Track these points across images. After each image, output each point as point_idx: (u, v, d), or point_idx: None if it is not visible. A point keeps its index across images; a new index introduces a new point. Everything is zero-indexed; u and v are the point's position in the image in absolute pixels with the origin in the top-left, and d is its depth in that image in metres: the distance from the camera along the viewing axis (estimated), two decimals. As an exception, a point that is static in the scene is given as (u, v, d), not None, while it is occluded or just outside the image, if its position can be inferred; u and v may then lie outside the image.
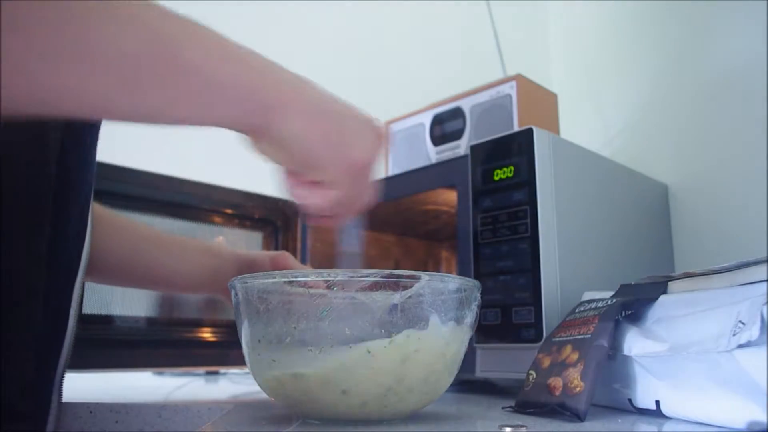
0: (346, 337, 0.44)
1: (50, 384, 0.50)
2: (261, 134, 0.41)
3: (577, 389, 0.46)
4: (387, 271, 0.45)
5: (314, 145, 0.41)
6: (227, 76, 0.37)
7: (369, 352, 0.44)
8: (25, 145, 0.45)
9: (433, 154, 0.98)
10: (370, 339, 0.44)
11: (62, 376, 0.52)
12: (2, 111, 0.30)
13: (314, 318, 0.44)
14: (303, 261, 1.02)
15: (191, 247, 0.71)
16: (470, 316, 0.49)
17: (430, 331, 0.46)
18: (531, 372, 0.54)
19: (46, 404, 0.49)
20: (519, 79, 0.89)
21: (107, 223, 0.62)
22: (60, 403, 0.53)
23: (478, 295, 0.50)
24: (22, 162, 0.45)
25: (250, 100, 0.39)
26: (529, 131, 0.69)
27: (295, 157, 0.42)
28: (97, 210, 0.56)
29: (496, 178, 0.71)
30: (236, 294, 0.49)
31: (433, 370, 0.47)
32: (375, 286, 0.44)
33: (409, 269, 0.46)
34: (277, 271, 0.49)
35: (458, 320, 0.48)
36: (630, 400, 0.50)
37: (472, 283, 0.49)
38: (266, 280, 0.47)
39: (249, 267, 0.69)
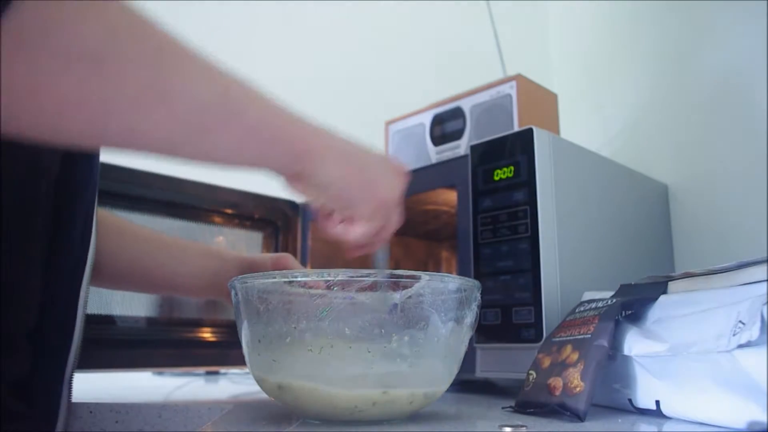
0: (346, 337, 0.44)
1: (59, 385, 0.50)
2: (301, 178, 0.45)
3: (577, 389, 0.46)
4: (387, 271, 0.45)
5: (347, 187, 0.47)
6: (277, 131, 0.42)
7: (369, 352, 0.44)
8: (22, 148, 0.45)
9: (433, 154, 0.98)
10: (370, 339, 0.44)
11: (71, 378, 0.52)
12: (79, 143, 0.32)
13: (314, 318, 0.44)
14: (303, 261, 1.02)
15: (193, 250, 0.71)
16: (470, 316, 0.49)
17: (430, 331, 0.46)
18: (531, 372, 0.54)
19: (46, 405, 0.49)
20: (519, 79, 0.89)
21: (108, 226, 0.63)
22: (70, 404, 0.53)
23: (478, 295, 0.50)
24: (19, 163, 0.45)
25: (294, 150, 0.43)
26: (529, 131, 0.69)
27: (331, 198, 0.47)
28: (98, 213, 0.56)
29: (496, 178, 0.71)
30: (236, 294, 0.49)
31: (433, 370, 0.47)
32: (375, 286, 0.44)
33: (409, 269, 0.46)
34: (277, 271, 0.49)
35: (458, 320, 0.48)
36: (630, 400, 0.50)
37: (472, 283, 0.49)
38: (266, 280, 0.48)
39: (250, 269, 0.69)
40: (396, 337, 0.45)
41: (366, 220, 0.49)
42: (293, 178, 0.45)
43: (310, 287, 0.46)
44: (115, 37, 0.31)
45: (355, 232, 0.50)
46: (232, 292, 0.50)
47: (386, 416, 0.48)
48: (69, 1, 0.28)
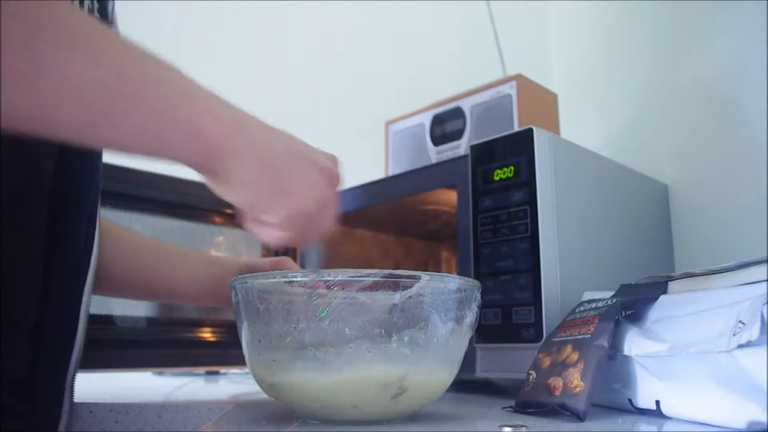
0: (346, 337, 0.44)
1: (61, 386, 0.50)
2: (211, 175, 0.43)
3: (577, 389, 0.46)
4: (387, 271, 0.45)
5: (257, 193, 0.44)
6: (184, 123, 0.39)
7: (369, 352, 0.44)
8: (17, 146, 0.45)
9: (433, 154, 0.98)
10: (371, 339, 0.44)
11: (73, 379, 0.52)
12: None
13: (314, 318, 0.44)
14: (303, 261, 1.02)
15: (193, 258, 0.71)
16: (470, 316, 0.49)
17: (430, 331, 0.46)
18: (531, 372, 0.54)
19: (47, 405, 0.49)
20: (519, 79, 0.89)
21: (108, 234, 0.63)
22: (72, 404, 0.53)
23: (478, 295, 0.50)
24: (14, 161, 0.45)
25: (203, 146, 0.41)
26: (529, 131, 0.69)
27: (242, 200, 0.44)
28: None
29: (496, 178, 0.71)
30: (236, 294, 0.49)
31: (433, 370, 0.47)
32: (375, 286, 0.44)
33: (409, 269, 0.46)
34: (277, 271, 0.49)
35: (458, 320, 0.48)
36: (630, 400, 0.50)
37: (472, 283, 0.49)
38: (266, 280, 0.48)
39: (250, 272, 0.69)
40: (396, 337, 0.45)
41: (282, 226, 0.46)
42: (203, 173, 0.43)
43: (310, 287, 0.45)
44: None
45: (270, 235, 0.47)
46: (232, 293, 0.50)
47: (386, 416, 0.48)
48: None
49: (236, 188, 0.43)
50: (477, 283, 0.50)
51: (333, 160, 0.50)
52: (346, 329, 0.44)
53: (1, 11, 0.30)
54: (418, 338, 0.45)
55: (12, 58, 0.31)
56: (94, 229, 0.53)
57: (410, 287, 0.45)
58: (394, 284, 0.45)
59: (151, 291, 0.70)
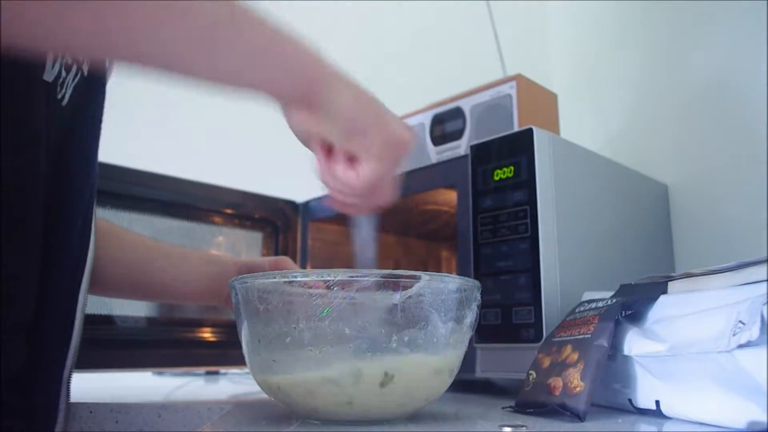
0: (347, 337, 0.44)
1: (57, 384, 0.50)
2: (308, 105, 0.44)
3: (577, 389, 0.46)
4: (387, 271, 0.45)
5: (359, 113, 0.45)
6: (286, 54, 0.42)
7: (369, 352, 0.44)
8: (14, 149, 0.44)
9: (433, 154, 0.98)
10: (370, 339, 0.44)
11: (69, 378, 0.53)
12: (89, 53, 0.36)
13: (314, 318, 0.44)
14: (303, 261, 1.02)
15: (192, 256, 0.72)
16: (470, 316, 0.49)
17: (430, 331, 0.46)
18: (531, 372, 0.54)
19: (44, 403, 0.49)
20: (519, 79, 0.89)
21: (107, 234, 0.63)
22: (68, 403, 0.53)
23: (478, 295, 0.50)
24: (11, 163, 0.45)
25: (304, 73, 0.43)
26: (529, 131, 0.69)
27: (341, 124, 0.45)
28: (97, 222, 0.56)
29: (496, 178, 0.71)
30: (236, 294, 0.49)
31: (433, 370, 0.47)
32: (375, 286, 0.44)
33: (409, 269, 0.46)
34: (277, 271, 0.49)
35: (458, 320, 0.48)
36: (630, 400, 0.50)
37: (472, 283, 0.49)
38: (266, 280, 0.48)
39: (249, 272, 0.69)
40: (396, 337, 0.45)
41: (375, 156, 0.46)
42: (299, 104, 0.44)
43: (310, 287, 0.45)
44: None
45: (361, 172, 0.46)
46: (232, 293, 0.50)
47: (386, 416, 0.48)
48: None
49: (336, 111, 0.44)
50: (477, 283, 0.50)
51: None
52: (346, 329, 0.44)
53: None
54: (418, 338, 0.45)
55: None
56: (90, 230, 0.53)
57: (410, 287, 0.45)
58: (394, 284, 0.45)
59: (150, 290, 0.70)
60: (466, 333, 0.49)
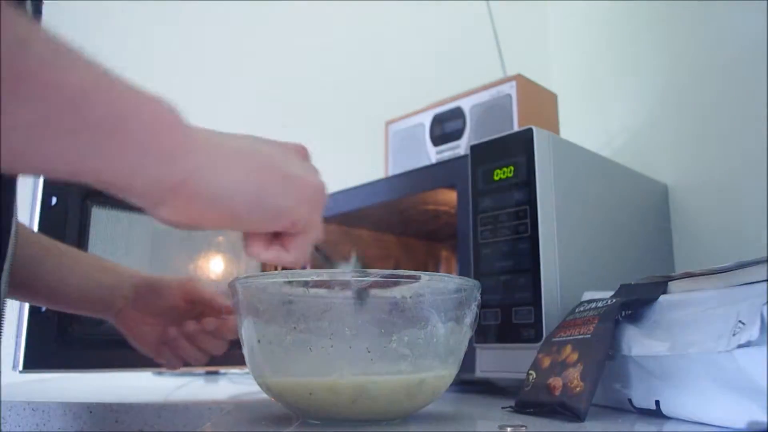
0: (346, 337, 0.44)
1: None
2: (180, 191, 0.32)
3: (577, 389, 0.46)
4: (387, 271, 0.45)
5: (257, 187, 0.35)
6: (120, 116, 0.29)
7: (369, 352, 0.44)
8: None
9: (433, 154, 0.98)
10: (370, 339, 0.44)
11: None
12: None
13: (314, 318, 0.44)
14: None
15: (86, 262, 0.67)
16: (470, 316, 0.49)
17: (429, 331, 0.46)
18: (531, 372, 0.54)
19: None
20: (519, 79, 0.89)
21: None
22: None
23: (478, 295, 0.50)
24: None
25: (160, 146, 0.31)
26: (529, 131, 0.69)
27: (237, 210, 0.35)
28: None
29: (496, 178, 0.71)
30: (236, 294, 0.49)
31: (433, 370, 0.47)
32: (375, 286, 0.44)
33: (409, 269, 0.46)
34: (277, 271, 0.49)
35: (458, 320, 0.48)
36: (630, 400, 0.50)
37: (471, 283, 0.49)
38: (266, 280, 0.48)
39: (150, 288, 0.66)
40: (395, 336, 0.44)
41: (304, 227, 0.38)
42: (175, 192, 0.32)
43: (310, 287, 0.45)
44: None
45: (295, 249, 0.40)
46: (232, 293, 0.50)
47: (387, 416, 0.48)
48: None
49: (230, 194, 0.34)
50: (477, 283, 0.50)
51: (304, 150, 0.42)
52: (346, 329, 0.44)
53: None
54: (417, 338, 0.45)
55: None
56: (10, 224, 0.48)
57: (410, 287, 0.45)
58: (393, 284, 0.45)
59: (37, 292, 0.64)
60: (465, 333, 0.49)
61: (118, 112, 0.29)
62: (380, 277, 0.44)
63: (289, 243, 0.40)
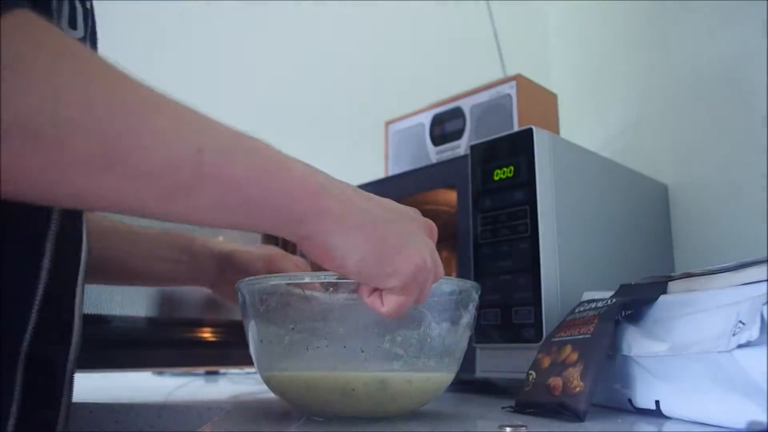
0: (340, 336, 0.45)
1: (60, 384, 0.50)
2: (311, 243, 0.39)
3: (577, 389, 0.46)
4: None
5: (365, 260, 0.40)
6: (265, 191, 0.36)
7: (363, 351, 0.45)
8: None
9: (433, 154, 0.98)
10: (364, 338, 0.45)
11: (71, 378, 0.52)
12: (40, 200, 0.31)
13: (309, 319, 0.45)
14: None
15: (163, 242, 0.69)
16: (467, 317, 0.49)
17: (423, 332, 0.46)
18: (531, 372, 0.54)
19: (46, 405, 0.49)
20: (519, 79, 0.89)
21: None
22: (70, 404, 0.53)
23: (476, 296, 0.50)
24: None
25: (290, 212, 0.37)
26: (529, 131, 0.69)
27: (349, 270, 0.40)
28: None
29: (496, 178, 0.71)
30: (242, 295, 0.50)
31: (428, 369, 0.47)
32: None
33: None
34: (275, 274, 0.49)
35: (453, 321, 0.48)
36: (630, 400, 0.50)
37: (469, 285, 0.49)
38: (267, 283, 0.48)
39: (232, 266, 0.68)
40: (389, 336, 0.45)
41: (398, 291, 0.41)
42: (301, 241, 0.39)
43: (307, 289, 0.46)
44: (57, 105, 0.28)
45: (386, 303, 0.42)
46: (239, 294, 0.51)
47: (383, 414, 0.48)
48: (9, 71, 0.26)
49: (340, 255, 0.39)
50: (475, 284, 0.50)
51: (418, 212, 0.47)
52: (341, 329, 0.45)
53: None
54: (411, 338, 0.46)
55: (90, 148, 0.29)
56: (81, 221, 0.51)
57: None
58: None
59: (122, 275, 0.68)
60: (463, 334, 0.50)
61: (270, 189, 0.36)
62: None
63: (386, 297, 0.42)
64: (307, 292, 0.45)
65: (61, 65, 0.29)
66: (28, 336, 0.44)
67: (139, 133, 0.31)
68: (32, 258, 0.44)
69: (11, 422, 0.43)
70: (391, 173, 1.04)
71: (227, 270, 0.68)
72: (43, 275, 0.45)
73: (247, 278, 0.49)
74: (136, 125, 0.31)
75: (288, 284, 0.47)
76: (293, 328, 0.46)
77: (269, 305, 0.47)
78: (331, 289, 0.45)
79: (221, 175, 0.34)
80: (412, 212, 0.46)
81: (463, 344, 0.50)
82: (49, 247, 0.45)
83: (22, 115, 0.27)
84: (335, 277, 0.44)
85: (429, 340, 0.47)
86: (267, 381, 0.50)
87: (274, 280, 0.48)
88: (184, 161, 0.32)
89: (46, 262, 0.45)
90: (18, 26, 0.28)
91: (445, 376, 0.50)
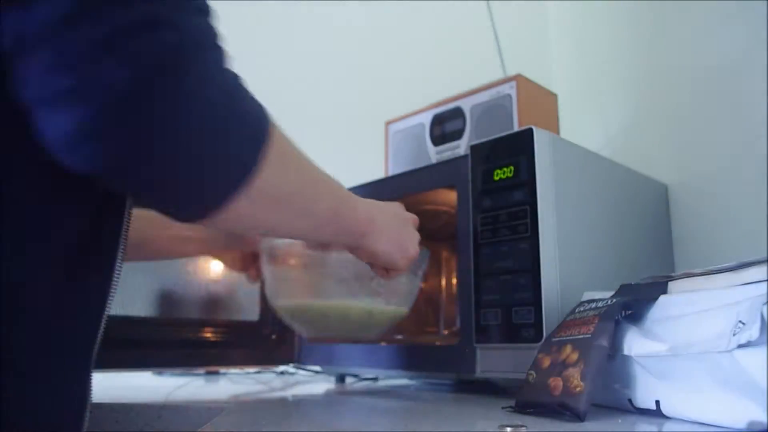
0: (342, 276, 0.69)
1: (85, 384, 0.50)
2: (357, 248, 0.62)
3: (577, 389, 0.47)
4: None
5: (391, 256, 0.63)
6: (344, 222, 0.56)
7: (357, 287, 0.70)
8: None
9: (433, 154, 0.98)
10: (359, 279, 0.69)
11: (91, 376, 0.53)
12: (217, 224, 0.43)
13: (320, 265, 0.71)
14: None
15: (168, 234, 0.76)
16: (421, 270, 0.76)
17: (396, 279, 0.67)
18: (531, 372, 0.54)
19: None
20: (519, 79, 0.89)
21: None
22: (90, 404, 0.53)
23: (427, 258, 0.75)
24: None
25: (354, 234, 0.58)
26: (529, 131, 0.69)
27: (380, 261, 0.63)
28: None
29: (496, 178, 0.71)
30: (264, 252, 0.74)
31: (395, 304, 0.73)
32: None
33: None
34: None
35: (413, 272, 0.73)
36: (630, 400, 0.50)
37: (423, 250, 0.69)
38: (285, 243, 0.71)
39: (236, 242, 0.80)
40: (375, 280, 0.68)
41: (398, 270, 0.66)
42: (354, 248, 0.62)
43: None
44: (288, 183, 0.46)
45: (391, 273, 0.67)
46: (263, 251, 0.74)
47: (366, 333, 0.74)
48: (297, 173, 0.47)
49: (377, 254, 0.62)
50: (426, 251, 0.70)
51: (402, 207, 0.68)
52: (344, 272, 0.69)
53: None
54: (381, 284, 0.70)
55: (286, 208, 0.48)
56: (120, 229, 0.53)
57: None
58: None
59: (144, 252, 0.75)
60: (417, 281, 0.75)
61: (348, 220, 0.56)
62: None
63: (392, 273, 0.67)
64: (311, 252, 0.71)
65: (289, 162, 0.46)
66: (101, 331, 0.46)
67: (318, 200, 0.51)
68: (113, 258, 0.46)
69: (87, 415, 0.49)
70: (391, 173, 1.04)
71: (232, 243, 0.81)
72: (116, 275, 0.46)
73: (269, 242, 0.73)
74: (319, 196, 0.51)
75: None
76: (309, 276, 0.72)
77: (289, 259, 0.73)
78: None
79: (338, 218, 0.55)
80: (406, 212, 0.67)
81: (417, 288, 0.75)
82: (121, 243, 0.46)
83: (272, 187, 0.43)
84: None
85: (396, 283, 0.70)
86: (275, 306, 0.73)
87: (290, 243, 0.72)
88: (328, 213, 0.53)
89: (118, 263, 0.46)
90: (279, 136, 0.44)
91: (405, 308, 0.74)
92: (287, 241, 0.71)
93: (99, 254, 0.45)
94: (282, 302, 0.73)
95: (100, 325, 0.47)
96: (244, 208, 0.41)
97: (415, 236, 0.67)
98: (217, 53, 0.39)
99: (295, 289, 0.73)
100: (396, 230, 0.64)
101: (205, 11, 0.38)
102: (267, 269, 0.74)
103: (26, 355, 0.41)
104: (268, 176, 0.41)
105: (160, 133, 0.34)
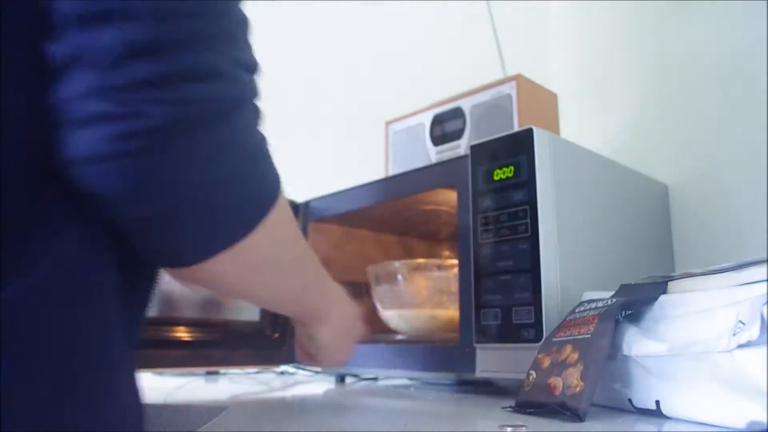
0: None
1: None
2: (304, 325, 0.63)
3: (577, 389, 0.47)
4: None
5: (333, 349, 0.64)
6: (310, 301, 0.58)
7: None
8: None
9: (433, 154, 0.98)
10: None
11: None
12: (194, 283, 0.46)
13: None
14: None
15: None
16: None
17: None
18: (531, 372, 0.54)
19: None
20: (519, 79, 0.89)
21: None
22: None
23: None
24: None
25: (312, 314, 0.60)
26: (529, 131, 0.69)
27: (319, 349, 0.64)
28: None
29: (496, 178, 0.71)
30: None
31: None
32: None
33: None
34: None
35: None
36: (630, 400, 0.50)
37: None
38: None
39: None
40: None
41: (320, 365, 0.69)
42: (303, 326, 0.63)
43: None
44: (282, 254, 0.48)
45: (321, 362, 0.67)
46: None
47: None
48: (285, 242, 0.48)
49: (316, 341, 0.63)
50: None
51: (362, 314, 0.69)
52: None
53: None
54: None
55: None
56: None
57: None
58: None
59: None
60: None
61: (311, 296, 0.57)
62: None
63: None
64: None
65: (281, 233, 0.47)
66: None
67: (294, 276, 0.52)
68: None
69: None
70: (391, 173, 1.04)
71: None
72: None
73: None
74: (296, 271, 0.52)
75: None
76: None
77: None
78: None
79: (305, 296, 0.57)
80: (360, 323, 0.68)
81: None
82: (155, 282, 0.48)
83: (256, 254, 0.44)
84: None
85: None
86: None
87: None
88: (298, 289, 0.55)
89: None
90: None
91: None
92: None
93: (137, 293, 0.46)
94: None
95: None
96: (224, 267, 0.41)
97: (351, 349, 0.68)
98: (254, 112, 0.40)
99: None
100: (345, 331, 0.65)
101: (253, 68, 0.40)
102: None
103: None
104: (257, 241, 0.41)
105: (177, 171, 0.35)
